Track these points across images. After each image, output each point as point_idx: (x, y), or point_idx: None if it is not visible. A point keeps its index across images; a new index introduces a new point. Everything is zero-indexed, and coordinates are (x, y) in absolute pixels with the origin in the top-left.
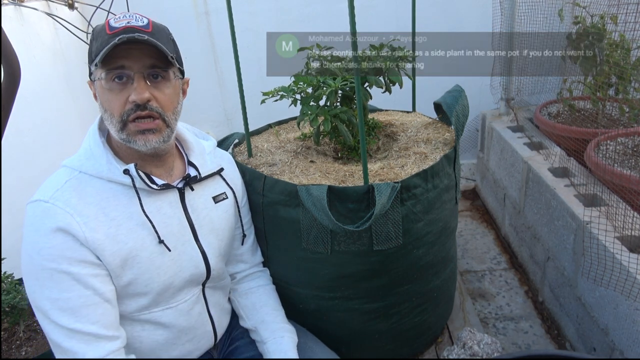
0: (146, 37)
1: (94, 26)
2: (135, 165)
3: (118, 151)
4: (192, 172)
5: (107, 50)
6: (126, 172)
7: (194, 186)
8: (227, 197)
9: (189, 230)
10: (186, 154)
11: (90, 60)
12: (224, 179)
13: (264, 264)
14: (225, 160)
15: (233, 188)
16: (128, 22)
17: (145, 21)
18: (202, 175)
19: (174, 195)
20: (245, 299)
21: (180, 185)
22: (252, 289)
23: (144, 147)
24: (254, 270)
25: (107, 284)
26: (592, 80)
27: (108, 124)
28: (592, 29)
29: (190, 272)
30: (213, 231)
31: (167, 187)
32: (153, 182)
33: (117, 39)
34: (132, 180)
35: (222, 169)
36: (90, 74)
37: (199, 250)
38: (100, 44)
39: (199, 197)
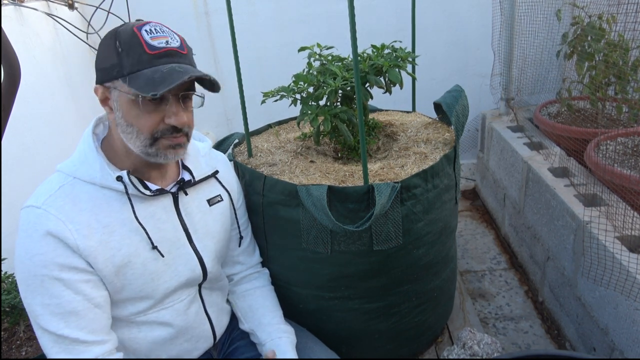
0: (208, 76)
1: (94, 26)
2: (128, 172)
3: (112, 157)
4: (186, 177)
5: (171, 89)
6: (119, 178)
7: (188, 190)
8: (222, 200)
9: (183, 234)
10: (181, 157)
11: (119, 73)
12: (219, 181)
13: (263, 265)
14: (221, 161)
15: (228, 190)
16: (167, 43)
17: (179, 40)
18: (196, 179)
19: (168, 200)
20: (243, 301)
21: (173, 190)
22: (249, 290)
23: (172, 160)
24: (252, 272)
25: (98, 289)
26: (589, 80)
27: (131, 137)
28: (591, 29)
29: (186, 276)
30: (208, 234)
31: (160, 192)
32: (146, 187)
33: (187, 77)
34: (125, 187)
35: (217, 172)
36: (105, 80)
37: (194, 254)
38: (137, 62)
39: (193, 201)
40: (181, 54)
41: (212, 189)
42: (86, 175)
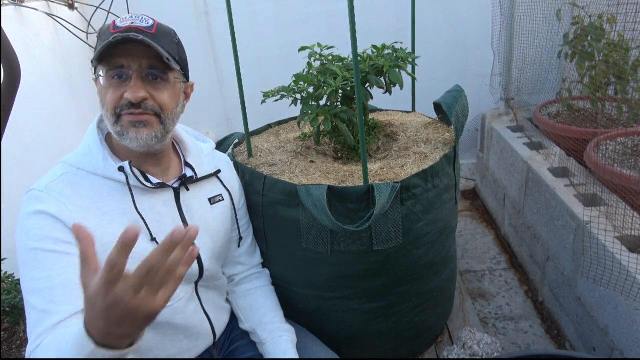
0: (141, 37)
1: (94, 26)
2: (130, 163)
3: (116, 149)
4: (189, 173)
5: (103, 47)
6: (121, 169)
7: (190, 187)
8: (223, 199)
9: None
10: (183, 155)
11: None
12: (220, 181)
13: (264, 265)
14: (223, 162)
15: (230, 190)
16: (132, 23)
17: (151, 22)
18: (199, 176)
19: (169, 195)
20: (243, 301)
21: (175, 185)
22: (250, 290)
23: (136, 142)
24: (252, 272)
25: None
26: (589, 80)
27: (105, 119)
28: (591, 28)
29: None
30: (207, 232)
31: (162, 186)
32: (148, 180)
33: (112, 37)
34: (127, 178)
35: (219, 171)
36: (94, 72)
37: None
38: (102, 42)
39: (195, 198)
40: (144, 32)
41: (213, 188)
42: (89, 166)
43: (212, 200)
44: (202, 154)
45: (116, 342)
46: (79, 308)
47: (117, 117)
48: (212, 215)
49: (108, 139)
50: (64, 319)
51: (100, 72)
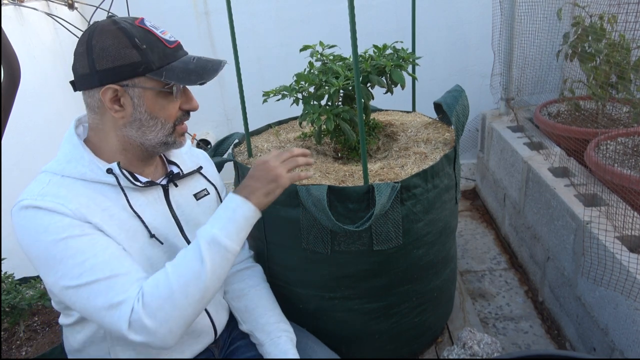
0: (217, 67)
1: None
2: (119, 164)
3: (100, 152)
4: (175, 170)
5: (209, 77)
6: (109, 171)
7: (177, 183)
8: (208, 193)
9: (175, 226)
10: (164, 154)
11: (146, 69)
12: (204, 176)
13: (263, 264)
14: (202, 158)
15: (214, 184)
16: (171, 36)
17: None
18: (185, 172)
19: (158, 193)
20: (238, 302)
21: (164, 182)
22: (244, 290)
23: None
24: (243, 267)
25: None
26: (592, 80)
27: (153, 129)
28: (591, 28)
29: None
30: (198, 227)
31: (151, 184)
32: (137, 179)
33: (222, 65)
34: (117, 179)
35: (201, 167)
36: (123, 78)
37: (187, 245)
38: (163, 57)
39: (182, 195)
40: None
41: (196, 184)
42: (75, 172)
43: (197, 196)
44: (182, 151)
45: (256, 199)
46: (136, 269)
47: (174, 128)
48: (200, 210)
49: (87, 143)
50: (140, 274)
51: (152, 85)
